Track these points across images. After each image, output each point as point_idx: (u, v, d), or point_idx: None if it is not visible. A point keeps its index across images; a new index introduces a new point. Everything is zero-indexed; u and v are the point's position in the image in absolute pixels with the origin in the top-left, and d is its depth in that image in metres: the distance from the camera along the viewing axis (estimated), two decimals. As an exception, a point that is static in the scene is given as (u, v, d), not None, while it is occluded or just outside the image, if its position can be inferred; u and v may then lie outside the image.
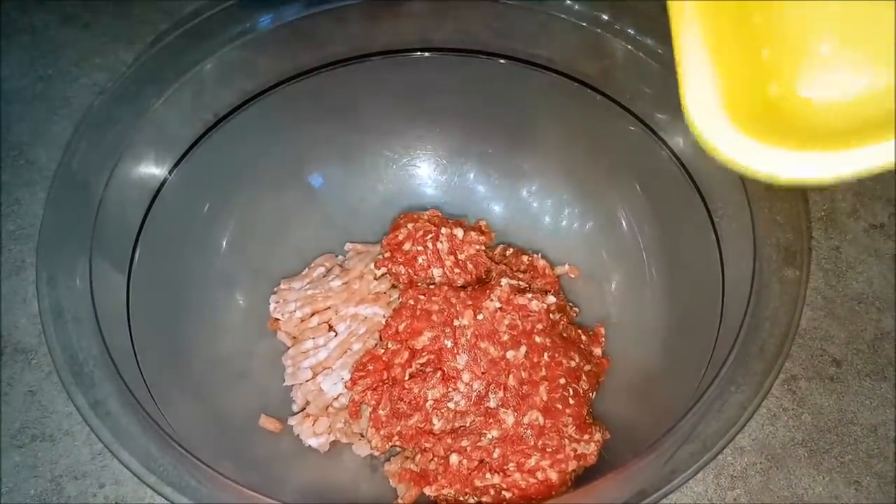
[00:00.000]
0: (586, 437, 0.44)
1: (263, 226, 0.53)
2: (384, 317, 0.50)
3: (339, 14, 0.47)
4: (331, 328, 0.50)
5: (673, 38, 0.26)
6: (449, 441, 0.44)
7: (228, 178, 0.51)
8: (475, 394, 0.45)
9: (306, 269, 0.53)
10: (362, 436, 0.48)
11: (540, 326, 0.46)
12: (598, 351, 0.49)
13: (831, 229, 0.57)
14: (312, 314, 0.51)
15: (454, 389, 0.45)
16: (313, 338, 0.50)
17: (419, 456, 0.46)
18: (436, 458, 0.45)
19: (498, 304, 0.46)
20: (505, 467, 0.44)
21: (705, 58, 0.26)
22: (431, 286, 0.49)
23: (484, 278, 0.51)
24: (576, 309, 0.52)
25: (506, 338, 0.45)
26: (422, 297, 0.47)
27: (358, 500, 0.47)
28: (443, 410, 0.45)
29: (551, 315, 0.47)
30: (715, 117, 0.26)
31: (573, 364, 0.46)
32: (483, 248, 0.52)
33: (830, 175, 0.24)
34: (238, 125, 0.48)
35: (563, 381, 0.45)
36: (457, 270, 0.51)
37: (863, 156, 0.24)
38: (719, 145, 0.25)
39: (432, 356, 0.46)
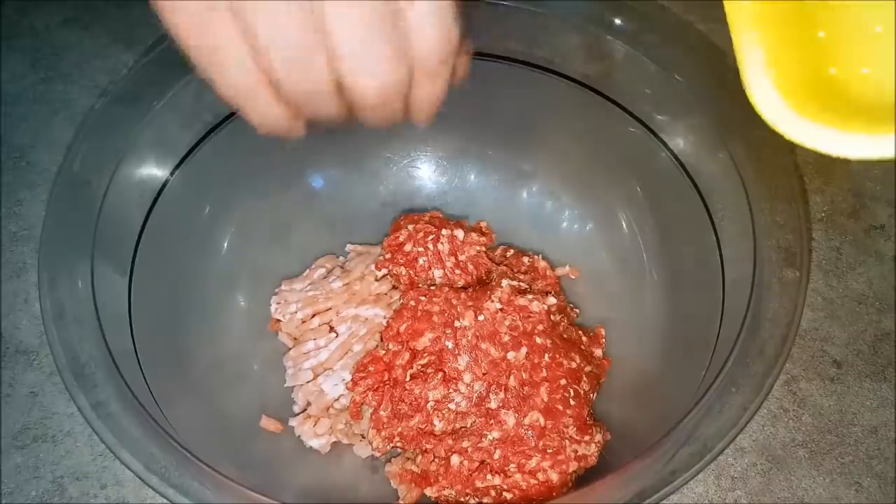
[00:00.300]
0: (587, 438, 0.44)
1: (264, 227, 0.54)
2: (385, 318, 0.50)
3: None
4: (332, 329, 0.50)
5: (731, 30, 0.26)
6: (450, 442, 0.45)
7: (229, 180, 0.51)
8: (476, 395, 0.45)
9: (307, 271, 0.53)
10: (363, 437, 0.48)
11: (541, 327, 0.46)
12: (598, 352, 0.50)
13: (831, 230, 0.57)
14: (313, 315, 0.51)
15: (455, 390, 0.45)
16: (314, 339, 0.50)
17: (420, 457, 0.46)
18: (437, 459, 0.45)
19: (499, 305, 0.46)
20: (506, 468, 0.44)
21: (761, 46, 0.26)
22: (432, 287, 0.49)
23: (485, 279, 0.51)
24: (576, 310, 0.52)
25: (506, 339, 0.45)
26: (423, 298, 0.47)
27: (359, 500, 0.47)
28: (444, 411, 0.45)
29: (552, 316, 0.47)
30: (779, 106, 0.26)
31: (574, 365, 0.46)
32: (484, 249, 0.52)
33: None
34: (239, 127, 0.48)
35: (563, 382, 0.45)
36: (457, 271, 0.51)
37: None
38: (790, 133, 0.26)
39: (433, 357, 0.46)
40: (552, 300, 0.48)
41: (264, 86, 0.26)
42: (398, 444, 0.46)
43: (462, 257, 0.51)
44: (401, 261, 0.51)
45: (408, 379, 0.46)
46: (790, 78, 0.26)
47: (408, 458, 0.47)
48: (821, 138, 0.25)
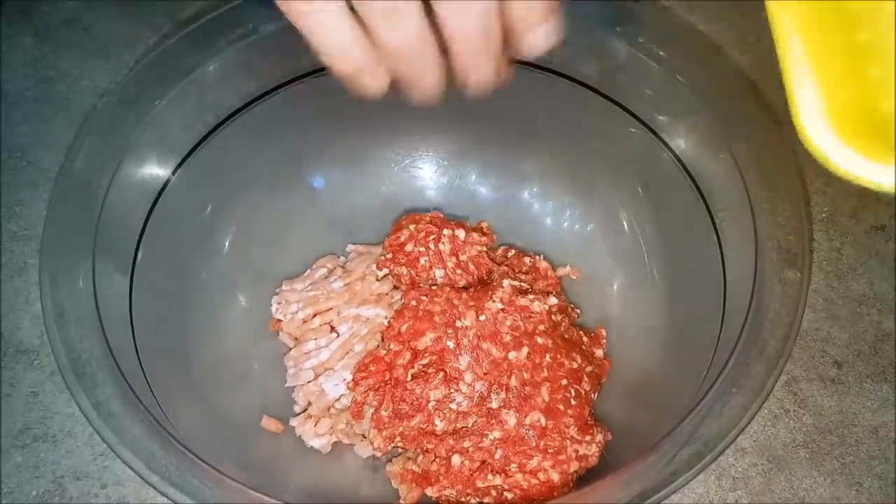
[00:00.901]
0: (588, 438, 0.44)
1: (265, 227, 0.54)
2: (386, 318, 0.50)
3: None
4: (332, 329, 0.50)
5: (780, 61, 0.26)
6: (451, 442, 0.45)
7: (230, 180, 0.51)
8: (477, 395, 0.45)
9: (308, 270, 0.53)
10: (364, 437, 0.48)
11: (542, 328, 0.46)
12: (599, 352, 0.50)
13: (832, 231, 0.57)
14: (314, 315, 0.51)
15: (456, 390, 0.45)
16: (315, 339, 0.50)
17: (421, 457, 0.46)
18: (438, 459, 0.45)
19: (500, 305, 0.46)
20: (507, 468, 0.44)
21: (813, 78, 0.26)
22: (433, 287, 0.49)
23: (486, 279, 0.51)
24: (577, 310, 0.52)
25: (508, 339, 0.45)
26: (424, 298, 0.47)
27: (360, 500, 0.47)
28: (445, 411, 0.45)
29: (553, 316, 0.47)
30: (829, 137, 0.26)
31: (575, 365, 0.46)
32: (485, 249, 0.52)
33: None
34: (240, 127, 0.48)
35: (564, 382, 0.45)
36: (458, 271, 0.51)
37: None
38: (838, 163, 0.26)
39: (434, 357, 0.46)
40: (553, 300, 0.48)
41: (361, 42, 0.28)
42: (399, 444, 0.46)
43: (463, 257, 0.51)
44: (402, 261, 0.51)
45: (409, 379, 0.46)
46: (838, 111, 0.26)
47: (409, 458, 0.47)
48: (872, 172, 0.25)
